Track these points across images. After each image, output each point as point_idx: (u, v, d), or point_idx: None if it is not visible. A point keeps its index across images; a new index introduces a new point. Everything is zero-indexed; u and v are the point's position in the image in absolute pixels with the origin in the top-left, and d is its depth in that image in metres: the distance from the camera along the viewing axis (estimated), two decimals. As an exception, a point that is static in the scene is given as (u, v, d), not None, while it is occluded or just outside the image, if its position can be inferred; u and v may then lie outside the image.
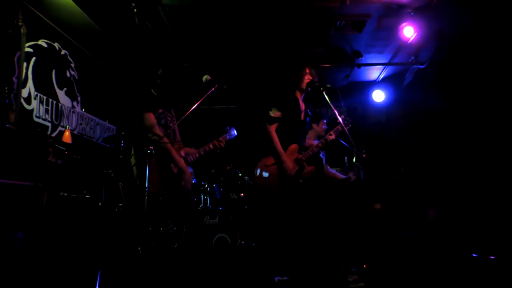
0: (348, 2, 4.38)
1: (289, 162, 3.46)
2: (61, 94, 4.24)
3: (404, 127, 7.09)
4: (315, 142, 3.84)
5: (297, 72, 3.70)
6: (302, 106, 3.74)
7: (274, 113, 3.55)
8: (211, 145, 3.32)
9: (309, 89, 3.69)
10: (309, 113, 3.84)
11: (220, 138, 3.38)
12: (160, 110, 3.18)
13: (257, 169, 3.56)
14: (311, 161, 3.61)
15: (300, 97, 3.74)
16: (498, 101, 4.82)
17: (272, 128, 3.53)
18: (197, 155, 3.27)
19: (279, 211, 3.51)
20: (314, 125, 4.55)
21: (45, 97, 3.93)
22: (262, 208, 5.10)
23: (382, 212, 5.35)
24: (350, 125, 3.79)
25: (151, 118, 3.04)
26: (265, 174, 3.51)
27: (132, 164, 3.11)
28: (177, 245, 3.54)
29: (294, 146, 3.55)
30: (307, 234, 3.53)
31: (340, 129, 3.66)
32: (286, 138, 3.52)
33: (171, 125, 3.19)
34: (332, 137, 3.65)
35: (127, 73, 5.70)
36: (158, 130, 3.02)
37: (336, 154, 6.86)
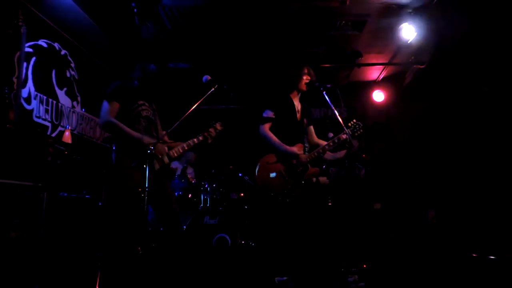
0: (348, 2, 4.38)
1: (293, 148, 3.44)
2: (61, 94, 4.24)
3: (404, 127, 7.10)
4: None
5: (295, 72, 3.66)
6: (298, 106, 3.70)
7: (266, 114, 3.56)
8: (200, 137, 3.26)
9: (307, 88, 3.65)
10: (306, 113, 3.77)
11: (210, 129, 3.34)
12: (140, 102, 3.12)
13: (257, 167, 3.54)
14: (316, 162, 3.58)
15: (296, 97, 3.71)
16: (498, 101, 4.83)
17: (266, 127, 3.52)
18: (180, 150, 3.17)
19: (279, 211, 3.49)
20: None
21: (45, 97, 3.93)
22: (262, 207, 5.10)
23: (382, 212, 5.35)
24: (361, 130, 3.65)
25: (111, 106, 2.98)
26: (266, 172, 3.50)
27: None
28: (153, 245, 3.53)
29: (298, 146, 3.54)
30: (307, 234, 3.52)
31: (351, 132, 3.55)
32: (284, 139, 3.50)
33: (152, 118, 3.17)
34: (345, 136, 3.54)
35: (127, 73, 5.69)
36: (113, 119, 2.95)
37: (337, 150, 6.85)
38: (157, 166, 3.04)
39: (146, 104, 3.16)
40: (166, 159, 3.09)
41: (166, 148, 3.14)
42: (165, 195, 3.08)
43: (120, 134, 2.94)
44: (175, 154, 3.16)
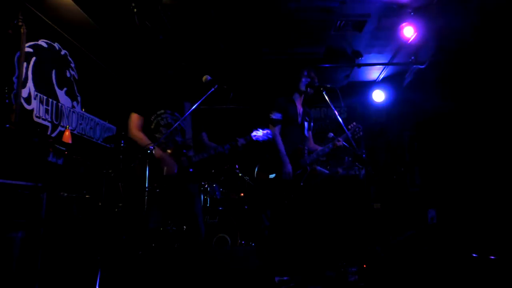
0: (348, 2, 4.38)
1: (290, 165, 3.46)
2: (61, 94, 4.24)
3: (404, 127, 7.09)
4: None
5: (295, 74, 3.69)
6: (300, 109, 3.72)
7: (276, 116, 3.58)
8: (220, 148, 3.19)
9: (309, 90, 3.67)
10: (307, 118, 3.79)
11: (237, 138, 3.22)
12: (160, 111, 3.18)
13: (257, 168, 3.56)
14: (314, 164, 3.61)
15: (298, 100, 3.72)
16: (498, 101, 4.82)
17: (276, 130, 3.55)
18: (205, 154, 3.17)
19: (278, 211, 3.50)
20: None
21: (45, 97, 3.93)
22: (262, 208, 5.10)
23: (382, 212, 5.35)
24: (361, 133, 3.68)
25: (133, 118, 3.13)
26: (265, 174, 3.51)
27: None
28: (177, 245, 3.54)
29: (299, 149, 3.56)
30: (307, 234, 3.53)
31: (350, 135, 3.57)
32: (285, 141, 3.52)
33: (178, 125, 3.16)
34: (340, 143, 3.57)
35: (127, 73, 5.70)
36: (136, 131, 3.10)
37: (336, 155, 6.85)
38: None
39: (168, 111, 3.19)
40: (185, 162, 3.08)
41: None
42: (185, 197, 3.09)
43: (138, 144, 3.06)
44: (197, 158, 3.14)
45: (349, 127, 3.62)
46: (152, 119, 3.16)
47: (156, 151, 2.98)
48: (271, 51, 5.64)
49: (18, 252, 2.48)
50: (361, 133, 3.65)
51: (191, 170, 3.11)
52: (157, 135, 3.10)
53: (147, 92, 3.29)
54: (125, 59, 5.44)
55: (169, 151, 3.09)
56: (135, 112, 3.15)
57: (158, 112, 3.17)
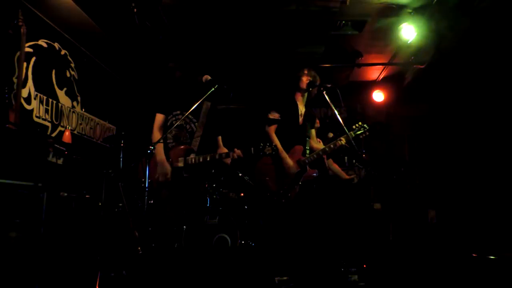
0: (348, 2, 4.38)
1: (289, 159, 3.47)
2: (61, 94, 4.24)
3: (404, 128, 7.10)
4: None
5: (295, 74, 3.70)
6: (302, 110, 3.71)
7: (272, 115, 3.59)
8: (216, 156, 3.17)
9: (311, 90, 3.67)
10: (308, 118, 3.78)
11: (236, 149, 3.15)
12: (176, 112, 3.28)
13: (256, 166, 3.57)
14: (314, 164, 3.60)
15: (300, 100, 3.72)
16: (498, 101, 4.83)
17: (271, 129, 3.56)
18: (201, 159, 3.16)
19: (276, 211, 3.51)
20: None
21: (45, 97, 3.93)
22: (261, 207, 5.11)
23: (382, 212, 5.35)
24: (367, 133, 3.66)
25: (156, 118, 3.32)
26: (263, 172, 3.51)
27: None
28: (176, 245, 3.54)
29: (299, 148, 3.56)
30: (307, 234, 3.53)
31: (353, 135, 3.56)
32: (284, 141, 3.52)
33: (188, 126, 3.29)
34: (342, 142, 3.56)
35: (127, 73, 5.70)
36: (155, 131, 3.27)
37: (336, 154, 6.85)
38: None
39: (184, 112, 3.24)
40: (180, 163, 3.15)
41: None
42: (185, 197, 3.19)
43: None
44: (192, 161, 3.19)
45: (354, 126, 3.62)
46: (169, 119, 3.30)
47: (157, 154, 3.08)
48: (271, 51, 5.64)
49: (18, 252, 2.48)
50: (367, 133, 3.64)
51: (185, 174, 3.16)
52: (169, 135, 3.23)
53: (166, 93, 3.43)
54: (125, 59, 5.44)
55: (179, 147, 3.20)
56: (158, 112, 3.32)
57: (174, 113, 3.30)
